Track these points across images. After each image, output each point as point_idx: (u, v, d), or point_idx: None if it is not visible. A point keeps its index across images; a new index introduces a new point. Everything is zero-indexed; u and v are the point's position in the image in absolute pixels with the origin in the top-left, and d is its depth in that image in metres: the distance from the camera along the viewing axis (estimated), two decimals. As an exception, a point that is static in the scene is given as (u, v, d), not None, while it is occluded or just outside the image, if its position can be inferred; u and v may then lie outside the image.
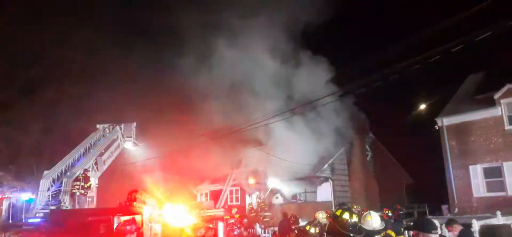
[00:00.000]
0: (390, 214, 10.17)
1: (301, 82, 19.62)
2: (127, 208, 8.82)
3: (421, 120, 24.91)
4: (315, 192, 24.16)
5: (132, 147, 20.00)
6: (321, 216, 9.56)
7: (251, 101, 19.85)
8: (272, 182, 23.23)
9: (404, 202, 24.42)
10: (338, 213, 3.38)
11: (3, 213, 14.41)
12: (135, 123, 20.13)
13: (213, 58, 21.74)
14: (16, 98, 23.34)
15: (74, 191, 14.23)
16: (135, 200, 8.89)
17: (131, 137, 19.73)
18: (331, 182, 23.38)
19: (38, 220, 12.12)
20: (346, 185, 24.01)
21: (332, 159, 23.32)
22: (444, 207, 19.37)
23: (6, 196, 15.27)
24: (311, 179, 22.94)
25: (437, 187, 22.06)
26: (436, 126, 19.33)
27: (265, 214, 18.91)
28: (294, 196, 24.34)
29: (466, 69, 25.91)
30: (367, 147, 25.46)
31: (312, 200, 23.59)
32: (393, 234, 8.62)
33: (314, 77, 20.07)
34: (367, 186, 24.65)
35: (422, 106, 24.24)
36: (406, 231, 8.74)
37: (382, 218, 3.24)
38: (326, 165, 23.00)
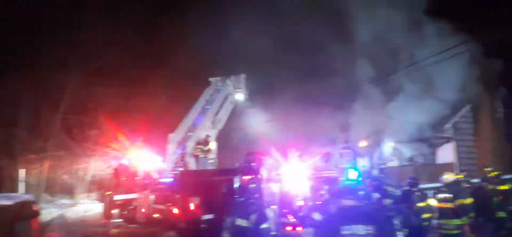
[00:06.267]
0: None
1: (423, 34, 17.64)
2: (248, 168, 9.25)
3: None
4: (434, 154, 22.41)
5: (243, 98, 20.45)
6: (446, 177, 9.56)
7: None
8: (386, 144, 22.15)
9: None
10: None
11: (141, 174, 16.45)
12: (244, 75, 20.45)
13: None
14: (145, 74, 25.74)
15: (196, 153, 15.49)
16: (254, 160, 9.26)
17: (241, 88, 20.15)
18: (454, 143, 21.40)
19: (170, 179, 13.58)
20: (472, 146, 21.69)
21: (455, 118, 21.22)
22: None
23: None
24: (430, 140, 21.26)
25: None
26: None
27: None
28: (410, 159, 22.92)
29: None
30: (498, 102, 22.47)
31: (430, 163, 21.91)
32: None
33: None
34: (498, 147, 21.96)
35: None
36: None
37: None
38: (448, 124, 21.03)
